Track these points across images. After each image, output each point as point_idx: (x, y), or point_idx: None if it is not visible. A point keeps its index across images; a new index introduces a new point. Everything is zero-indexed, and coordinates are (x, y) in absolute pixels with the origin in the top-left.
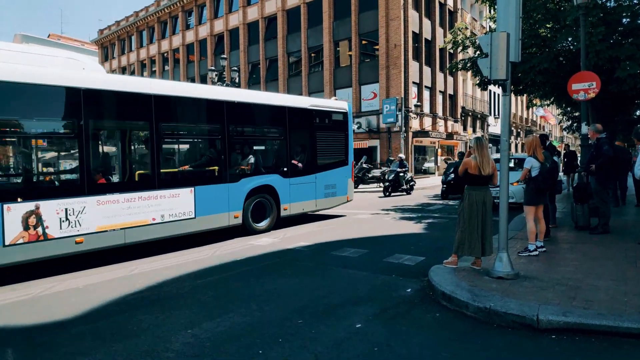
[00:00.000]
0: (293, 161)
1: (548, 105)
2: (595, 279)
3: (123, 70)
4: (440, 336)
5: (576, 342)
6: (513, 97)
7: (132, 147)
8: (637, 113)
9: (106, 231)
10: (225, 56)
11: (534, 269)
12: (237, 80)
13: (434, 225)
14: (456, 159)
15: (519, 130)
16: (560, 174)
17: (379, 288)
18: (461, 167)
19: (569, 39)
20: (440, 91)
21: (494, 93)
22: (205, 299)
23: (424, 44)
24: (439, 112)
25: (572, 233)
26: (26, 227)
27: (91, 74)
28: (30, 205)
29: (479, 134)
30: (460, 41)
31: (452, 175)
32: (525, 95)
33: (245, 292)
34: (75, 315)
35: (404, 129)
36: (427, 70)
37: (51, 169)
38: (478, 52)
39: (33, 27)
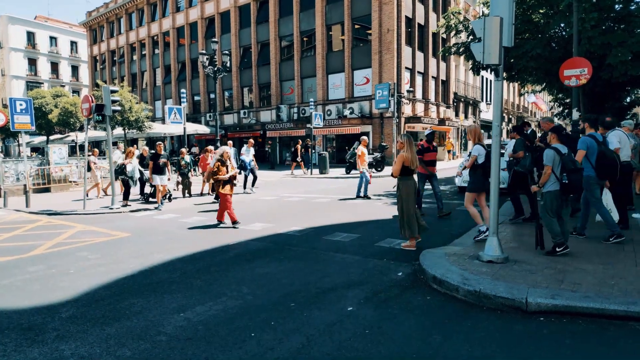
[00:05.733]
0: None
1: (539, 91)
2: (584, 263)
3: (112, 54)
4: (431, 319)
5: (564, 324)
6: (505, 83)
7: None
8: (628, 100)
9: None
10: (216, 40)
11: (523, 253)
12: (228, 65)
13: (425, 210)
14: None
15: (510, 116)
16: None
17: (370, 272)
18: (399, 161)
19: (562, 24)
20: (432, 77)
21: (486, 79)
22: (197, 283)
23: (417, 29)
24: (432, 97)
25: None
26: None
27: None
28: None
29: (471, 121)
30: (453, 25)
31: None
32: (517, 82)
33: (238, 276)
34: (67, 299)
35: (396, 114)
36: (419, 55)
37: None
38: (471, 37)
39: (19, 9)
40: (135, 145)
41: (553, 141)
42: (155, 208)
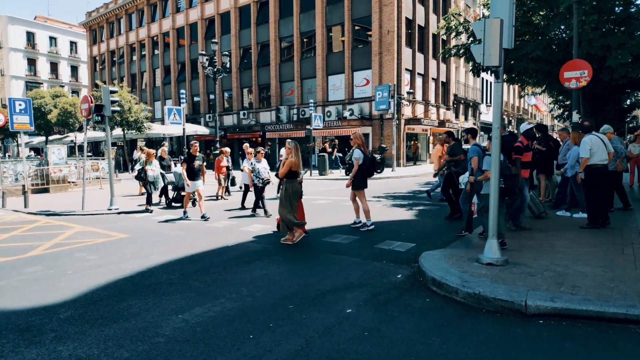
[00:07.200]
0: None
1: (540, 93)
2: (583, 266)
3: (112, 54)
4: (431, 321)
5: (563, 327)
6: (505, 85)
7: None
8: (628, 102)
9: None
10: (216, 40)
11: (522, 255)
12: (227, 66)
13: (424, 212)
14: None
15: (510, 118)
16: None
17: (370, 274)
18: (287, 165)
19: (562, 27)
20: (432, 78)
21: (487, 81)
22: (196, 285)
23: (417, 30)
24: (432, 99)
25: (542, 222)
26: None
27: None
28: None
29: (471, 122)
30: (453, 27)
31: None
32: (517, 84)
33: (236, 278)
34: (65, 300)
35: (396, 116)
36: (419, 57)
37: None
38: (471, 39)
39: (19, 9)
40: (165, 143)
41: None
42: (183, 217)
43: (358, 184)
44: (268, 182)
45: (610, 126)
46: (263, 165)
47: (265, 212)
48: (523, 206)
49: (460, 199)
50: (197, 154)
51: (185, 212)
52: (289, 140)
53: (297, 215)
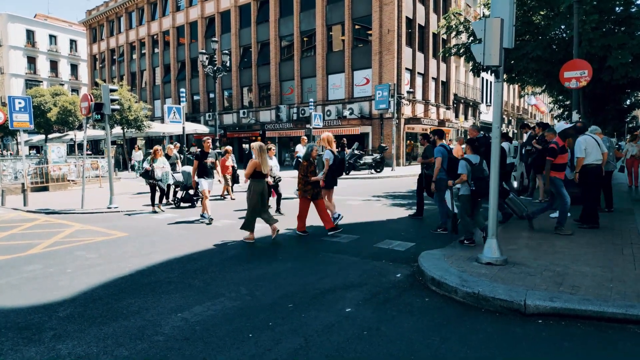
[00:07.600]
0: None
1: (540, 93)
2: (582, 266)
3: (112, 53)
4: (430, 320)
5: (562, 326)
6: (505, 85)
7: None
8: (628, 102)
9: None
10: (216, 39)
11: (522, 255)
12: (227, 64)
13: (424, 211)
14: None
15: (510, 118)
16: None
17: (369, 273)
18: (251, 166)
19: (562, 26)
20: (432, 78)
21: (487, 81)
22: (195, 283)
23: (417, 29)
24: (431, 99)
25: (542, 222)
26: None
27: None
28: None
29: (471, 122)
30: (454, 26)
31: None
32: (517, 84)
33: (236, 277)
34: (64, 298)
35: (396, 115)
36: (420, 56)
37: None
38: (472, 38)
39: (18, 7)
40: (174, 142)
41: (468, 152)
42: (202, 217)
43: (327, 183)
44: (279, 180)
45: (598, 127)
46: (274, 163)
47: (278, 210)
48: (565, 208)
49: (438, 201)
50: (210, 150)
51: (203, 214)
52: (254, 142)
53: (304, 215)
